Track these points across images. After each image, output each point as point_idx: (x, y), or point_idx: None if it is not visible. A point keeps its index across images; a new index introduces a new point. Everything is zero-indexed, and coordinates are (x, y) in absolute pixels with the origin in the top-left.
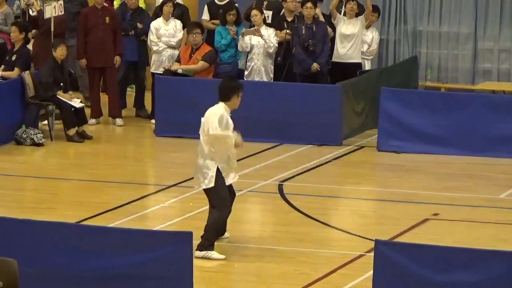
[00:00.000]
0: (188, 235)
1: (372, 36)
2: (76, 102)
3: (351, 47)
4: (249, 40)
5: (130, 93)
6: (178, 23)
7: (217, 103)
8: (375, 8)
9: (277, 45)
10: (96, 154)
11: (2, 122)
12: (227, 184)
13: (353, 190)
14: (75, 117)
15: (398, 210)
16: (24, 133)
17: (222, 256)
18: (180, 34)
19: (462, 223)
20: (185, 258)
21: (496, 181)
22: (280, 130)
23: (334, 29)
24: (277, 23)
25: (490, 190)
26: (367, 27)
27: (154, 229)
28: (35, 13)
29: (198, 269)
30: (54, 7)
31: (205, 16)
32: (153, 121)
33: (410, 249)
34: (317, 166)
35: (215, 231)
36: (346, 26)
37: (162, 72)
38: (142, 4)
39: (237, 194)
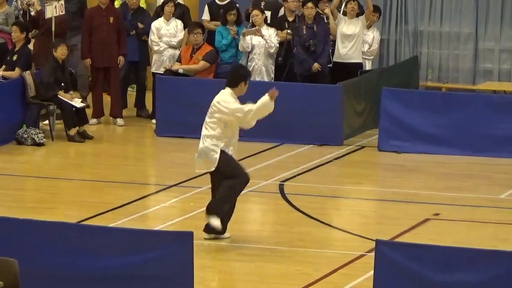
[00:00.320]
0: (189, 235)
1: (373, 36)
2: (77, 102)
3: (352, 47)
4: (250, 40)
5: (131, 93)
6: (179, 23)
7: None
8: (376, 8)
9: (278, 45)
10: (97, 154)
11: (3, 122)
12: None
13: (354, 190)
14: (76, 117)
15: (398, 210)
16: (25, 133)
17: (227, 235)
18: (181, 34)
19: (463, 223)
20: (185, 258)
21: (496, 181)
22: (281, 130)
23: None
24: (278, 23)
25: (491, 190)
26: (368, 27)
27: (155, 229)
28: (33, 13)
29: (199, 269)
30: (55, 7)
31: (206, 16)
32: (154, 121)
33: (410, 249)
34: (318, 166)
35: (225, 201)
36: (347, 26)
37: (163, 72)
38: (143, 4)
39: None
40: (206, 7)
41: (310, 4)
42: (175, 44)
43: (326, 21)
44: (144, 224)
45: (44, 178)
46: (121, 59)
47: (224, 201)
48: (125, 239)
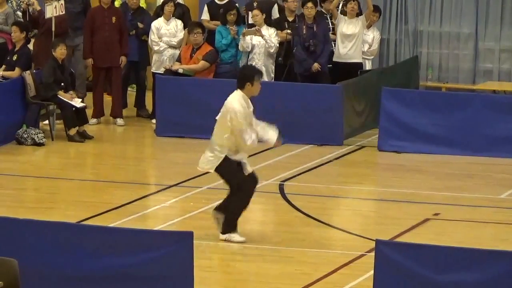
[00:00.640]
0: (189, 235)
1: (373, 36)
2: (77, 102)
3: (352, 47)
4: (250, 40)
5: (131, 93)
6: (179, 23)
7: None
8: (376, 8)
9: (278, 45)
10: (97, 154)
11: (3, 122)
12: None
13: (354, 190)
14: (76, 117)
15: (399, 210)
16: (25, 133)
17: (243, 239)
18: (181, 34)
19: (463, 223)
20: (185, 258)
21: (496, 181)
22: (281, 130)
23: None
24: (278, 23)
25: (491, 190)
26: (368, 27)
27: (155, 229)
28: (31, 9)
29: (199, 269)
30: (55, 7)
31: (205, 16)
32: (153, 121)
33: (410, 249)
34: (318, 166)
35: (233, 213)
36: (347, 26)
37: (163, 72)
38: (143, 4)
39: None
40: (206, 7)
41: (310, 4)
42: (175, 44)
43: (330, 20)
44: (144, 224)
45: (44, 178)
46: (123, 59)
47: (235, 217)
48: (125, 239)
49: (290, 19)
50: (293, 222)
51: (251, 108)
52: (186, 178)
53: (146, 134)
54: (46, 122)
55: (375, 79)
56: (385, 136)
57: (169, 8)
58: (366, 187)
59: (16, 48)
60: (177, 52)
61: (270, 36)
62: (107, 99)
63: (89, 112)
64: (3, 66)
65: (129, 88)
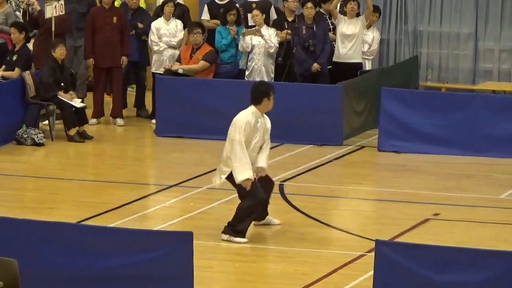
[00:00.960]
0: (189, 235)
1: (372, 36)
2: (77, 102)
3: (351, 47)
4: (250, 40)
5: (131, 93)
6: (179, 23)
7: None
8: (376, 8)
9: (277, 45)
10: (96, 154)
11: (2, 122)
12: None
13: (354, 190)
14: (75, 117)
15: (398, 210)
16: (25, 133)
17: (245, 240)
18: (180, 34)
19: (463, 223)
20: (185, 258)
21: (496, 181)
22: (281, 130)
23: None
24: (277, 23)
25: (491, 190)
26: (368, 27)
27: (155, 229)
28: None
29: (198, 269)
30: (55, 7)
31: (205, 16)
32: (153, 121)
33: (410, 249)
34: (317, 166)
35: (241, 219)
36: (347, 26)
37: (162, 72)
38: (142, 4)
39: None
40: (206, 7)
41: (309, 4)
42: (175, 44)
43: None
44: (144, 224)
45: (44, 178)
46: (124, 59)
47: (239, 222)
48: (125, 239)
49: (290, 19)
50: (293, 222)
51: (265, 126)
52: (186, 178)
53: (146, 134)
54: (46, 122)
55: (375, 79)
56: (385, 136)
57: (169, 8)
58: (366, 187)
59: (16, 48)
60: (177, 52)
61: (270, 36)
62: (107, 99)
63: (89, 112)
64: (3, 66)
65: (129, 88)
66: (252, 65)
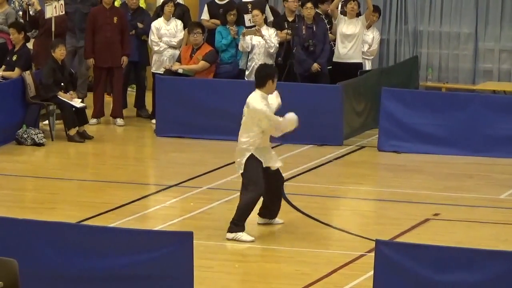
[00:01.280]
0: (189, 235)
1: (372, 36)
2: (77, 102)
3: (351, 47)
4: (250, 40)
5: (131, 93)
6: (179, 23)
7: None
8: (376, 8)
9: (277, 45)
10: (96, 154)
11: (2, 122)
12: (266, 165)
13: (354, 190)
14: (76, 117)
15: (398, 210)
16: (25, 133)
17: (251, 238)
18: (180, 34)
19: (463, 223)
20: (185, 258)
21: (496, 181)
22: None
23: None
24: (277, 23)
25: (491, 190)
26: (368, 27)
27: (155, 229)
28: (32, 12)
29: (198, 269)
30: (55, 7)
31: (205, 16)
32: (153, 121)
33: (410, 249)
34: (317, 166)
35: (243, 213)
36: (347, 26)
37: (162, 72)
38: (142, 4)
39: (237, 195)
40: (206, 7)
41: (309, 5)
42: (175, 44)
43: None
44: (144, 224)
45: (44, 178)
46: (124, 59)
47: (239, 217)
48: (125, 239)
49: (290, 19)
50: (293, 222)
51: (276, 104)
52: (186, 178)
53: (146, 134)
54: (46, 122)
55: (375, 79)
56: (385, 136)
57: (169, 8)
58: (366, 187)
59: (16, 48)
60: (177, 52)
61: (270, 36)
62: (107, 99)
63: (89, 112)
64: (3, 66)
65: (129, 88)
66: (252, 65)
